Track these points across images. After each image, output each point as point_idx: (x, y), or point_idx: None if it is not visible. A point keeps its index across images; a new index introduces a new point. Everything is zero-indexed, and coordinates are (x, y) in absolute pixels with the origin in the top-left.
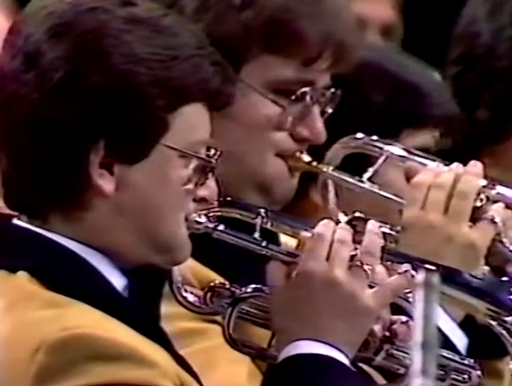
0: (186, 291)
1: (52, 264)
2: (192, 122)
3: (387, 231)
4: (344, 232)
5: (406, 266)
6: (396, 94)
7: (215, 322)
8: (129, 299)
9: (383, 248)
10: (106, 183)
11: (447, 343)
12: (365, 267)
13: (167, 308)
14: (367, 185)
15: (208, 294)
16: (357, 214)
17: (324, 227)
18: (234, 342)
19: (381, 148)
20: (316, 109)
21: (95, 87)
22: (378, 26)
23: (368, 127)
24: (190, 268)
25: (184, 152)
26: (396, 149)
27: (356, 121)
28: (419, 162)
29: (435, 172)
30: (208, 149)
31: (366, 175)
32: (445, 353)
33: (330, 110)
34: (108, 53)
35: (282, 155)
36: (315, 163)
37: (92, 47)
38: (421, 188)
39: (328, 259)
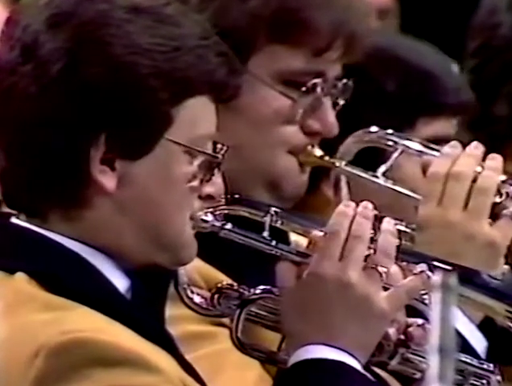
0: (192, 292)
1: (52, 265)
2: (196, 116)
3: (402, 229)
4: (361, 225)
5: (421, 266)
6: (409, 80)
7: (222, 325)
8: (132, 301)
9: (398, 248)
10: (107, 180)
11: (465, 346)
12: (380, 268)
13: (172, 310)
14: (381, 180)
15: (216, 296)
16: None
17: (338, 220)
18: (242, 346)
19: (396, 142)
20: (328, 101)
21: (95, 79)
22: (375, 10)
23: (382, 116)
24: (196, 269)
25: (189, 147)
26: (412, 143)
27: (369, 110)
28: (436, 156)
29: (452, 158)
30: (214, 144)
31: (381, 170)
32: (463, 357)
33: (342, 102)
34: (109, 44)
35: (293, 150)
36: (327, 158)
37: (92, 37)
38: (438, 181)
39: (341, 258)
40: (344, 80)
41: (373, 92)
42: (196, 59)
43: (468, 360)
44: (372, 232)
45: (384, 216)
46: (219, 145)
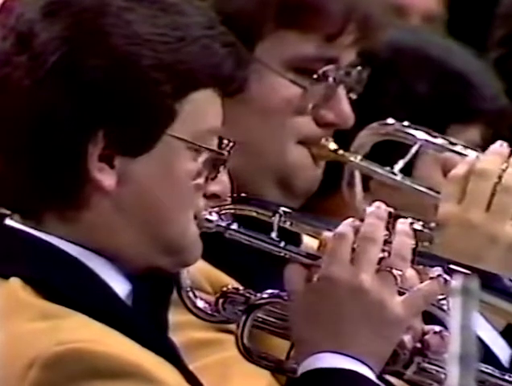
0: (196, 297)
1: (47, 270)
2: (201, 110)
3: (420, 229)
4: (373, 226)
5: (437, 270)
6: (442, 83)
7: (229, 331)
8: (133, 308)
9: (414, 250)
10: (106, 178)
11: (488, 355)
12: (394, 271)
13: (175, 316)
14: (399, 177)
15: (220, 300)
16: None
17: (346, 224)
18: (249, 354)
19: (414, 136)
20: (342, 90)
21: (93, 71)
22: (421, 13)
23: (409, 120)
24: (201, 271)
25: (193, 143)
26: (431, 138)
27: (395, 111)
28: (458, 153)
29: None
30: (220, 139)
31: (398, 166)
32: (484, 367)
33: (357, 92)
34: (108, 34)
35: (305, 142)
36: (341, 152)
37: (90, 27)
38: (459, 181)
39: (352, 261)
40: (359, 68)
41: (400, 92)
42: (201, 50)
43: (489, 371)
44: (386, 233)
45: (400, 216)
46: (225, 141)
